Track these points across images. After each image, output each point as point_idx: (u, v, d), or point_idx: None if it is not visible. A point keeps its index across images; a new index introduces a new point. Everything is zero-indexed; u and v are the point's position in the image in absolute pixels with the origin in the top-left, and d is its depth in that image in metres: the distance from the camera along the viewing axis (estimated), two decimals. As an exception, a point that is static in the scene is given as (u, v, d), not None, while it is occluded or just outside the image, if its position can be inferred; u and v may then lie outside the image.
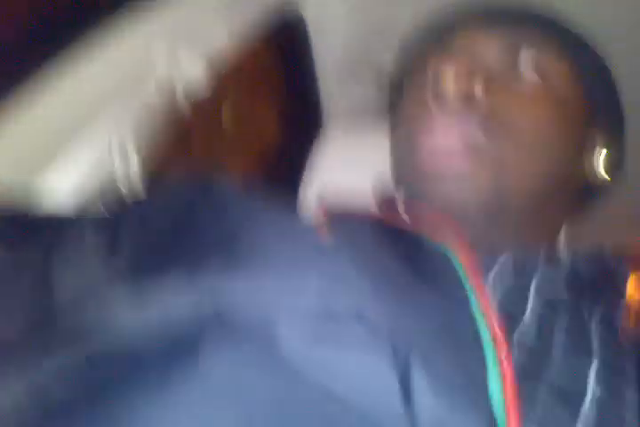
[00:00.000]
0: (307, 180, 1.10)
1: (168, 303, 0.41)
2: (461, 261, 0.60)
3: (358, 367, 0.41)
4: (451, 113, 0.69)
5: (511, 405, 0.46)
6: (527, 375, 0.52)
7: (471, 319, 0.53)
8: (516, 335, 0.56)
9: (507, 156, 0.69)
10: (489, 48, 0.75)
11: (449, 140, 0.69)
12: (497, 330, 0.51)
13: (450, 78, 0.68)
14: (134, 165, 0.79)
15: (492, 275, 0.63)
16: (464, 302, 0.55)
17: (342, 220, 0.72)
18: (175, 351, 0.37)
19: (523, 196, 0.71)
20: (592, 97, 0.80)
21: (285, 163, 1.55)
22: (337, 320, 0.43)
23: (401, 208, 0.78)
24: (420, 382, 0.42)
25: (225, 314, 0.41)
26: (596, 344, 0.57)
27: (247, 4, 0.91)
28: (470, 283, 0.57)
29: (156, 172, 0.83)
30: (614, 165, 0.83)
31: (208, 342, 0.38)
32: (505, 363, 0.48)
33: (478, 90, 0.69)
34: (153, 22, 0.84)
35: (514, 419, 0.45)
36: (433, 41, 0.81)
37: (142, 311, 0.41)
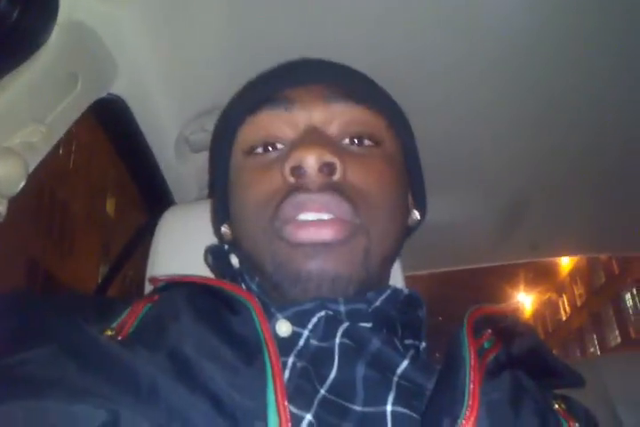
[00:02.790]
0: (151, 253, 1.08)
1: None
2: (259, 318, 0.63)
3: None
4: (311, 188, 0.70)
5: None
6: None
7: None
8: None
9: (370, 223, 0.71)
10: (328, 124, 0.77)
11: (316, 213, 0.69)
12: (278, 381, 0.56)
13: (306, 156, 0.69)
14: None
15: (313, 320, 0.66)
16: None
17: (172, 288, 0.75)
18: None
19: (384, 254, 0.74)
20: (405, 152, 0.86)
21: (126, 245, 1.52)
22: None
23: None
24: None
25: None
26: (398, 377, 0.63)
27: (64, 93, 0.90)
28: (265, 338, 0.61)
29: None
30: (422, 205, 0.90)
31: None
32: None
33: (334, 163, 0.70)
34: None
35: None
36: (246, 114, 0.82)
37: None
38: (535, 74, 1.21)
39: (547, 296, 34.49)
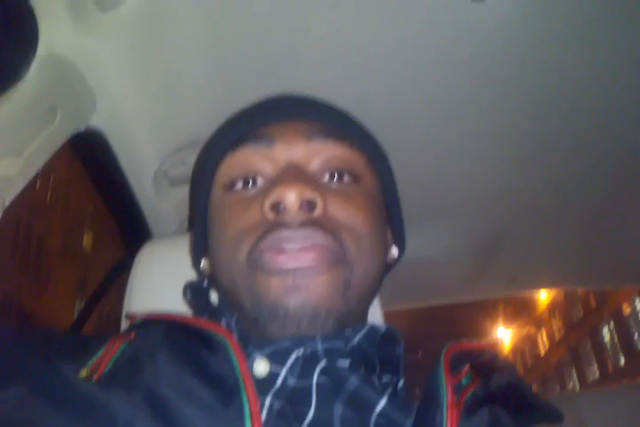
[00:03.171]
0: (128, 288, 1.07)
1: None
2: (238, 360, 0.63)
3: None
4: (292, 224, 0.70)
5: None
6: None
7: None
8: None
9: (352, 255, 0.71)
10: (309, 161, 0.78)
11: (296, 243, 0.69)
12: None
13: (287, 193, 0.69)
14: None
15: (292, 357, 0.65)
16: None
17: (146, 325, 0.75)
18: None
19: (365, 288, 0.74)
20: (384, 189, 0.86)
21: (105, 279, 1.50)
22: None
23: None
24: None
25: None
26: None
27: (43, 126, 0.90)
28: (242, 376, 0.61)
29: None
30: (401, 241, 0.91)
31: None
32: None
33: (315, 199, 0.70)
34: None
35: None
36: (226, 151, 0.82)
37: None
38: (512, 112, 1.24)
39: (525, 330, 34.48)
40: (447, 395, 0.62)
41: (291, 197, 0.69)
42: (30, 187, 0.91)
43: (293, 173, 0.74)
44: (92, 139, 1.08)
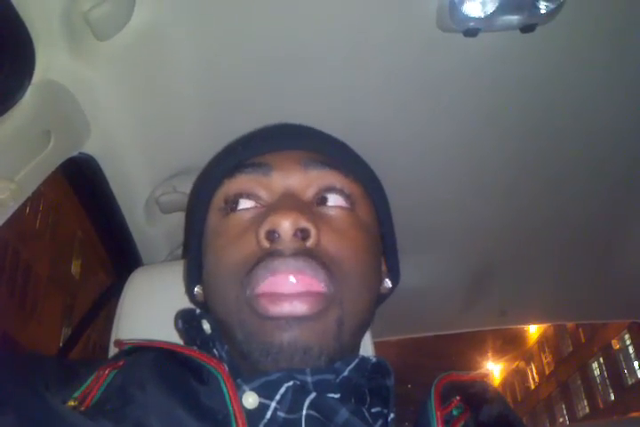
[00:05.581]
0: (117, 315, 1.05)
1: None
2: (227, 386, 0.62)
3: None
4: (285, 253, 0.69)
5: None
6: None
7: None
8: None
9: (344, 292, 0.70)
10: (304, 189, 0.78)
11: (290, 284, 0.68)
12: None
13: (282, 221, 0.69)
14: None
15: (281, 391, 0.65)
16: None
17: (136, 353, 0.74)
18: None
19: (357, 324, 0.73)
20: (379, 219, 0.86)
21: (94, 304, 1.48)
22: None
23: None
24: None
25: None
26: None
27: (36, 151, 0.90)
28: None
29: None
30: (395, 273, 0.91)
31: None
32: None
33: (308, 228, 0.70)
34: None
35: None
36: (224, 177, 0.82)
37: None
38: (502, 142, 1.25)
39: (515, 364, 34.28)
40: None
41: (285, 225, 0.69)
42: (20, 211, 0.91)
43: (289, 202, 0.74)
44: (84, 164, 1.08)
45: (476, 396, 0.72)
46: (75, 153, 1.02)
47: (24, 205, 0.91)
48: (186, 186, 1.19)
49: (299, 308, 0.67)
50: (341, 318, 0.70)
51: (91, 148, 1.05)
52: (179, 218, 1.28)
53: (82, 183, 1.16)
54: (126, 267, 1.27)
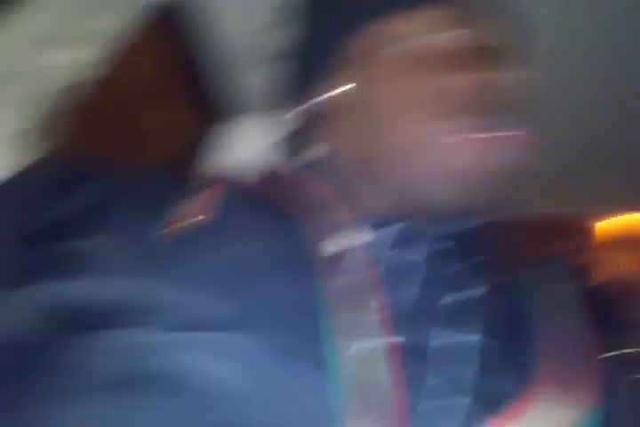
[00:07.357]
0: (213, 160, 1.12)
1: None
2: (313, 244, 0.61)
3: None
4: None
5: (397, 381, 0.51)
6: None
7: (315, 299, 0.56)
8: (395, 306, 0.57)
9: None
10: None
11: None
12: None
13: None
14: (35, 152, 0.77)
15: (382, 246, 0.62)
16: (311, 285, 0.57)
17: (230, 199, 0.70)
18: None
19: None
20: None
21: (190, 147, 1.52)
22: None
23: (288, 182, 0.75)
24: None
25: None
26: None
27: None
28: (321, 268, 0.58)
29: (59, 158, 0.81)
30: None
31: None
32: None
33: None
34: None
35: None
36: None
37: None
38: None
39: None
40: None
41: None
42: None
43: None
44: (179, 13, 1.07)
45: None
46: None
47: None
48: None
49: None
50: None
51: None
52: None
53: (176, 31, 1.14)
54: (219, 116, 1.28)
